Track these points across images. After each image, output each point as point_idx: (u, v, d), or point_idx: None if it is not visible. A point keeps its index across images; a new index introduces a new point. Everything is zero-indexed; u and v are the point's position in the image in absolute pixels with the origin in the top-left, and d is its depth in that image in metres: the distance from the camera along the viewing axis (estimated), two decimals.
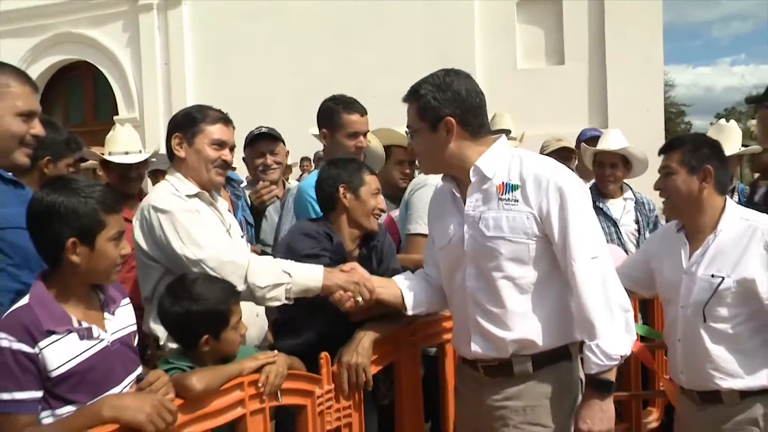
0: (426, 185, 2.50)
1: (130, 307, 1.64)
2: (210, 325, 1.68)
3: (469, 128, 1.72)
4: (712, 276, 1.87)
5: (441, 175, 1.87)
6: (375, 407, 2.09)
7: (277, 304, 1.89)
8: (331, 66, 7.95)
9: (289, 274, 1.86)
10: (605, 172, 3.17)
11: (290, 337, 1.98)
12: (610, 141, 3.24)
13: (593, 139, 3.65)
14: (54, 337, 1.37)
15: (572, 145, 3.88)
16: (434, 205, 1.94)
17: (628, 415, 2.83)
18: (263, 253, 2.58)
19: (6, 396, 1.33)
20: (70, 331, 1.41)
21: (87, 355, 1.42)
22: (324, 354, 1.86)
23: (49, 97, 9.75)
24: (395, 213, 2.72)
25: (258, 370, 1.68)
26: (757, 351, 1.86)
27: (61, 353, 1.38)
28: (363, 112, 2.59)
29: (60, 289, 1.45)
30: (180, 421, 1.45)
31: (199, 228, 1.89)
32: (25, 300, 1.40)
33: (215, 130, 2.02)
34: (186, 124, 2.03)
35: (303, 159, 7.28)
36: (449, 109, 1.70)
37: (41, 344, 1.36)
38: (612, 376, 1.65)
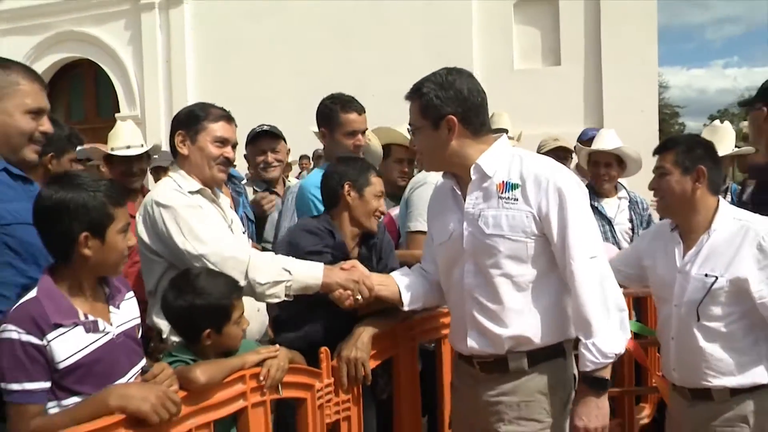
0: (426, 183, 2.53)
1: (134, 300, 1.66)
2: (212, 319, 1.71)
3: (470, 127, 1.74)
4: (706, 275, 1.88)
5: (441, 173, 1.88)
6: (373, 401, 2.11)
7: (276, 300, 1.91)
8: (330, 65, 7.98)
9: (290, 272, 1.88)
10: (600, 171, 3.20)
11: (291, 332, 2.00)
12: (605, 141, 3.28)
13: (591, 140, 3.68)
14: (61, 329, 1.40)
15: (569, 144, 3.92)
16: (434, 202, 1.95)
17: (621, 411, 2.84)
18: (263, 250, 2.60)
19: (16, 386, 1.35)
20: (77, 324, 1.43)
21: (93, 348, 1.45)
22: (324, 348, 1.89)
23: (51, 95, 9.60)
24: (394, 211, 2.74)
25: (260, 363, 1.70)
26: (748, 349, 1.88)
27: (68, 346, 1.41)
28: (361, 110, 2.60)
29: (68, 283, 1.47)
30: (183, 412, 1.48)
31: (201, 223, 1.91)
32: (33, 293, 1.43)
33: (218, 128, 2.04)
34: (189, 121, 2.05)
35: (302, 157, 7.30)
36: (451, 107, 1.71)
37: (49, 337, 1.38)
38: (607, 374, 1.68)
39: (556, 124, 6.22)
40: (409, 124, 1.82)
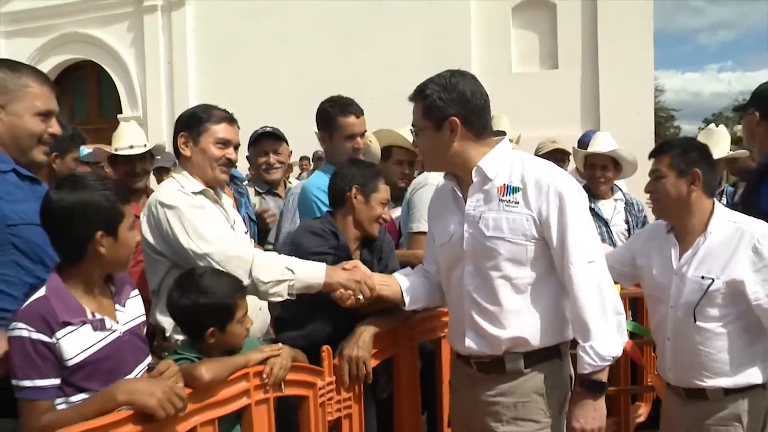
0: (427, 185, 2.56)
1: (139, 298, 1.68)
2: (216, 318, 1.72)
3: (472, 129, 1.74)
4: (702, 277, 1.90)
5: (442, 175, 1.89)
6: (374, 400, 2.12)
7: (279, 299, 1.93)
8: (330, 66, 8.03)
9: (292, 271, 1.90)
10: (596, 173, 3.23)
11: (293, 331, 2.02)
12: (601, 143, 3.30)
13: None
14: (69, 328, 1.42)
15: (566, 147, 3.95)
16: (435, 204, 1.96)
17: (617, 410, 2.88)
18: (265, 250, 2.62)
19: (28, 383, 1.38)
20: (85, 323, 1.45)
21: (100, 346, 1.47)
22: (326, 347, 1.91)
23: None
24: (395, 212, 2.77)
25: (263, 361, 1.73)
26: (743, 350, 1.90)
27: (76, 343, 1.43)
28: (359, 113, 2.62)
29: (76, 282, 1.50)
30: (188, 409, 1.51)
31: (205, 223, 1.93)
32: (42, 292, 1.45)
33: (220, 129, 2.05)
34: (191, 123, 2.06)
35: (302, 158, 7.33)
36: (454, 109, 1.72)
37: (58, 335, 1.40)
38: (604, 377, 1.69)
39: (554, 127, 6.27)
40: (412, 125, 1.83)
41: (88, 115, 10.14)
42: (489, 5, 7.98)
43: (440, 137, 1.75)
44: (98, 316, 1.49)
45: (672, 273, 1.98)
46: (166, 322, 1.95)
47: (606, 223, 3.16)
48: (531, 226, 1.70)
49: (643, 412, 3.08)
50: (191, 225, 1.91)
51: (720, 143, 3.66)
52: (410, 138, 2.77)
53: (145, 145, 3.06)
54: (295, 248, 2.07)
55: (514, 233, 1.70)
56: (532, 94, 7.37)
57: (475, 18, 8.01)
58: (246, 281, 1.86)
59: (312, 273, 1.92)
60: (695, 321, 1.90)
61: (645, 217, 3.28)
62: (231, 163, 2.11)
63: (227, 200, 2.25)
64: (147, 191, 3.02)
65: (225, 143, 2.06)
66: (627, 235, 3.16)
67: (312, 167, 6.93)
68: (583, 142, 3.88)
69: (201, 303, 1.72)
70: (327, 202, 2.40)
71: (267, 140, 3.16)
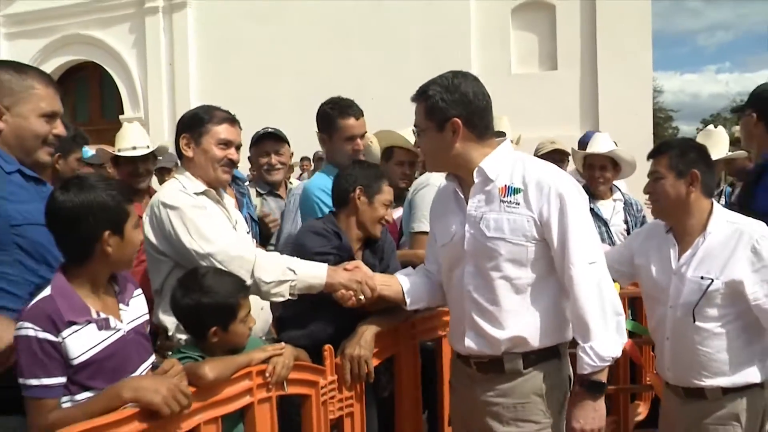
0: (429, 185, 2.58)
1: (143, 297, 1.69)
2: (219, 317, 1.74)
3: (474, 130, 1.75)
4: (702, 278, 1.91)
5: (444, 175, 1.90)
6: (375, 399, 2.13)
7: (281, 299, 1.94)
8: (330, 67, 8.06)
9: (294, 272, 1.91)
10: (595, 174, 3.23)
11: (295, 330, 2.04)
12: (599, 144, 3.32)
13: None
14: (75, 327, 1.43)
15: (565, 147, 3.97)
16: (437, 204, 1.97)
17: (616, 409, 2.88)
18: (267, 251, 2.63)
19: (35, 382, 1.39)
20: (90, 322, 1.46)
21: (105, 345, 1.48)
22: (328, 346, 1.92)
23: None
24: (396, 213, 2.78)
25: (266, 361, 1.74)
26: (742, 349, 1.91)
27: (82, 342, 1.44)
28: (359, 115, 2.63)
29: (80, 282, 1.51)
30: (192, 407, 1.51)
31: (207, 223, 1.94)
32: (47, 292, 1.46)
33: (221, 130, 2.07)
34: (193, 124, 2.08)
35: (303, 158, 7.35)
36: (456, 110, 1.72)
37: (64, 334, 1.42)
38: (604, 378, 1.70)
39: (553, 128, 6.29)
40: (415, 126, 1.84)
41: (90, 115, 10.18)
42: (488, 7, 8.00)
43: (442, 138, 1.76)
44: (103, 315, 1.50)
45: (671, 273, 1.99)
46: (169, 321, 1.97)
47: (605, 223, 3.17)
48: (531, 227, 1.71)
49: (642, 410, 3.08)
50: (193, 225, 1.92)
51: (719, 144, 3.67)
52: (411, 139, 2.78)
53: (148, 146, 3.08)
54: (299, 248, 2.09)
55: (514, 234, 1.71)
56: (531, 95, 7.39)
57: (475, 19, 8.03)
58: (248, 281, 1.87)
59: (314, 273, 1.94)
60: (694, 321, 1.91)
61: (644, 217, 3.30)
62: (233, 164, 2.12)
63: (229, 200, 2.26)
64: (149, 191, 3.04)
65: (227, 144, 2.08)
66: (626, 235, 3.17)
67: (312, 168, 6.93)
68: (583, 143, 3.89)
69: (204, 302, 1.73)
70: (328, 203, 2.41)
71: (269, 141, 3.17)
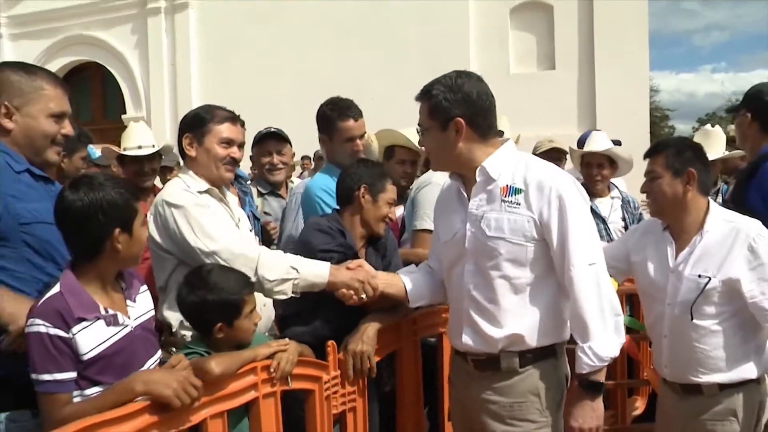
0: (431, 183, 2.60)
1: (148, 293, 1.71)
2: (223, 313, 1.76)
3: (477, 129, 1.76)
4: (699, 276, 1.91)
5: (444, 173, 1.92)
6: (377, 394, 2.15)
7: (283, 297, 1.96)
8: (331, 67, 8.10)
9: (297, 270, 1.93)
10: (592, 172, 3.26)
11: (299, 326, 2.06)
12: (596, 143, 3.34)
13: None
14: (84, 323, 1.46)
15: (563, 146, 4.00)
16: (441, 202, 1.98)
17: (614, 403, 2.91)
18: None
19: (48, 377, 1.42)
20: (98, 318, 1.49)
21: (114, 340, 1.51)
22: (331, 342, 1.94)
23: None
24: (398, 211, 2.81)
25: (271, 356, 1.76)
26: (738, 346, 1.93)
27: (91, 338, 1.46)
28: (358, 116, 2.64)
29: (89, 278, 1.53)
30: (198, 402, 1.53)
31: (211, 221, 1.96)
32: (56, 289, 1.48)
33: (223, 129, 2.08)
34: (195, 124, 2.09)
35: (303, 157, 7.37)
36: (459, 110, 1.73)
37: (74, 330, 1.44)
38: (602, 378, 1.71)
39: (551, 127, 6.31)
40: (418, 125, 1.84)
41: (93, 115, 10.22)
42: (487, 7, 8.04)
43: (445, 137, 1.77)
44: (111, 311, 1.53)
45: (668, 271, 2.00)
46: (173, 317, 1.99)
47: (603, 221, 3.20)
48: (531, 228, 1.71)
49: (639, 405, 3.10)
50: (197, 223, 1.94)
51: (717, 144, 3.70)
52: (412, 138, 2.81)
53: (154, 146, 3.10)
54: (304, 245, 2.11)
55: (514, 234, 1.72)
56: (529, 94, 7.42)
57: (474, 20, 8.07)
58: (252, 279, 1.89)
59: (316, 272, 1.95)
60: (692, 319, 1.92)
61: (641, 214, 3.33)
62: (235, 162, 2.14)
63: (232, 198, 2.27)
64: (154, 190, 3.06)
65: (229, 142, 2.09)
66: (624, 232, 3.19)
67: (313, 166, 6.95)
68: (582, 142, 3.92)
69: (209, 299, 1.75)
70: (330, 203, 2.44)
71: (271, 140, 3.18)
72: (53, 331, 1.42)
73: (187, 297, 1.80)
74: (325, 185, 2.56)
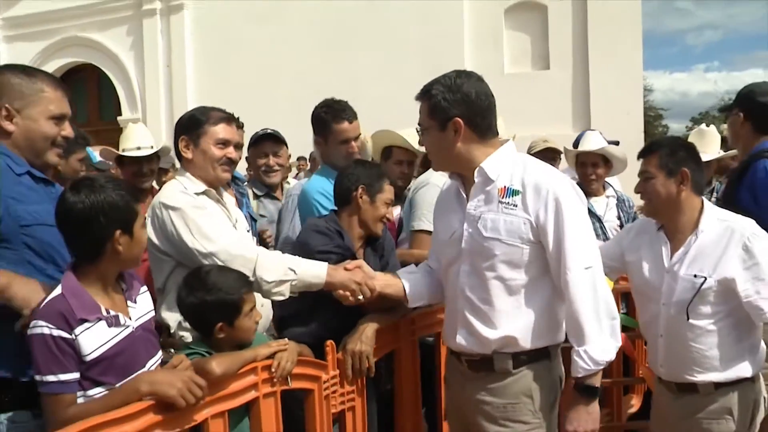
0: (429, 184, 2.62)
1: (148, 294, 1.72)
2: (224, 313, 1.77)
3: (476, 129, 1.76)
4: (695, 276, 1.92)
5: (443, 174, 1.93)
6: (376, 393, 2.16)
7: (281, 298, 1.97)
8: (326, 67, 8.11)
9: (295, 271, 1.94)
10: (587, 171, 3.28)
11: (298, 327, 2.07)
12: (590, 142, 3.37)
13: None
14: (86, 324, 1.47)
15: (557, 146, 4.02)
16: (441, 201, 1.99)
17: (609, 401, 2.92)
18: None
19: (52, 378, 1.42)
20: (100, 319, 1.50)
21: (115, 341, 1.52)
22: (330, 342, 1.95)
23: None
24: (395, 212, 2.82)
25: (271, 356, 1.77)
26: (733, 345, 1.93)
27: (93, 339, 1.47)
28: (352, 118, 2.65)
29: (90, 280, 1.54)
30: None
31: (208, 223, 1.96)
32: (58, 291, 1.49)
33: (219, 130, 2.08)
34: (191, 126, 2.10)
35: (299, 158, 7.38)
36: (458, 110, 1.73)
37: (76, 331, 1.45)
38: (597, 382, 1.71)
39: (546, 127, 6.34)
40: (418, 124, 1.85)
41: (89, 117, 10.21)
42: (481, 7, 8.07)
43: (444, 137, 1.77)
44: (112, 312, 1.54)
45: (664, 271, 2.00)
46: (171, 319, 2.00)
47: (599, 219, 3.22)
48: (528, 230, 1.72)
49: (635, 403, 3.12)
50: (195, 225, 1.94)
51: (712, 144, 3.71)
52: (410, 139, 2.83)
53: (152, 147, 3.11)
54: (302, 247, 2.12)
55: (510, 235, 1.72)
56: (524, 94, 7.44)
57: (468, 20, 8.10)
58: (250, 279, 1.89)
59: (314, 272, 1.96)
60: (688, 319, 1.93)
61: (635, 213, 3.36)
62: (232, 162, 2.14)
63: (229, 198, 2.28)
64: (152, 191, 3.07)
65: (225, 143, 2.09)
66: (619, 230, 3.22)
67: (309, 167, 6.96)
68: (578, 143, 3.95)
69: (208, 300, 1.76)
70: (327, 206, 2.45)
71: (267, 142, 3.18)
72: (56, 332, 1.43)
73: (186, 298, 1.81)
74: (321, 188, 2.57)
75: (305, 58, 8.42)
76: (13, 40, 10.13)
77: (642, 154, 2.07)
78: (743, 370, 1.94)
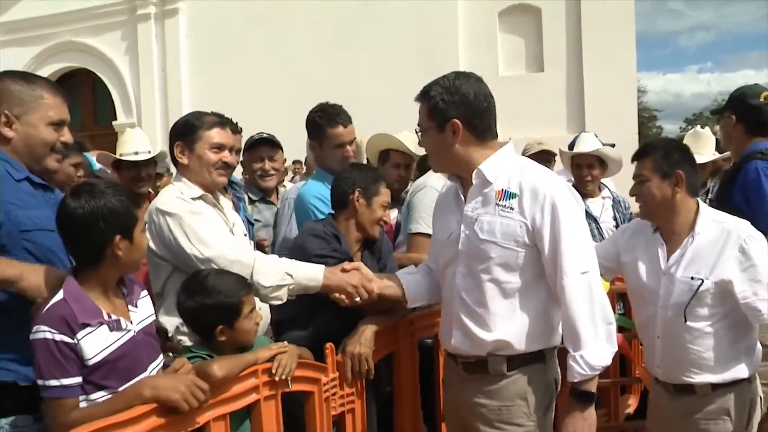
0: (426, 187, 2.63)
1: (149, 298, 1.73)
2: (223, 316, 1.78)
3: (475, 131, 1.75)
4: (692, 278, 1.91)
5: (440, 177, 1.94)
6: (375, 395, 2.17)
7: (278, 302, 1.98)
8: (321, 70, 8.12)
9: (291, 276, 1.95)
10: (583, 173, 3.30)
11: (297, 329, 2.08)
12: (585, 143, 3.39)
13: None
14: (88, 329, 1.48)
15: (552, 148, 4.05)
16: (440, 203, 1.99)
17: (606, 401, 2.93)
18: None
19: (54, 382, 1.43)
20: (102, 323, 1.51)
21: (117, 345, 1.52)
22: (329, 344, 1.96)
23: None
24: (392, 214, 2.83)
25: (271, 359, 1.77)
26: (730, 346, 1.94)
27: (95, 344, 1.48)
28: (347, 122, 2.65)
29: (91, 285, 1.55)
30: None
31: (205, 228, 1.97)
32: (59, 295, 1.49)
33: (214, 135, 2.09)
34: (185, 132, 2.10)
35: (295, 161, 7.38)
36: (456, 111, 1.73)
37: (78, 336, 1.46)
38: (593, 387, 1.70)
39: (540, 129, 6.38)
40: (418, 125, 1.85)
41: (83, 121, 10.14)
42: (476, 11, 8.09)
43: (443, 138, 1.77)
44: (114, 317, 1.54)
45: (660, 273, 2.00)
46: (169, 323, 2.00)
47: (595, 220, 3.24)
48: (523, 233, 1.71)
49: (632, 403, 3.13)
50: (192, 230, 1.95)
51: (707, 146, 3.73)
52: (407, 142, 2.85)
53: (150, 152, 3.11)
54: (299, 251, 2.12)
55: (505, 238, 1.72)
56: (518, 96, 7.43)
57: (462, 22, 8.12)
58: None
59: (310, 276, 1.97)
60: (686, 321, 1.93)
61: (631, 214, 3.37)
62: (228, 166, 2.15)
63: (226, 203, 2.29)
64: (150, 196, 3.07)
65: (220, 147, 2.10)
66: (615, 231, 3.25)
67: (304, 171, 6.96)
68: (573, 145, 3.97)
69: (208, 303, 1.77)
70: (323, 210, 2.46)
71: (263, 146, 3.18)
72: (59, 337, 1.43)
73: (186, 303, 1.82)
74: (318, 192, 2.58)
75: (300, 59, 8.42)
76: (7, 45, 10.08)
77: (636, 157, 2.06)
78: (740, 371, 1.94)
